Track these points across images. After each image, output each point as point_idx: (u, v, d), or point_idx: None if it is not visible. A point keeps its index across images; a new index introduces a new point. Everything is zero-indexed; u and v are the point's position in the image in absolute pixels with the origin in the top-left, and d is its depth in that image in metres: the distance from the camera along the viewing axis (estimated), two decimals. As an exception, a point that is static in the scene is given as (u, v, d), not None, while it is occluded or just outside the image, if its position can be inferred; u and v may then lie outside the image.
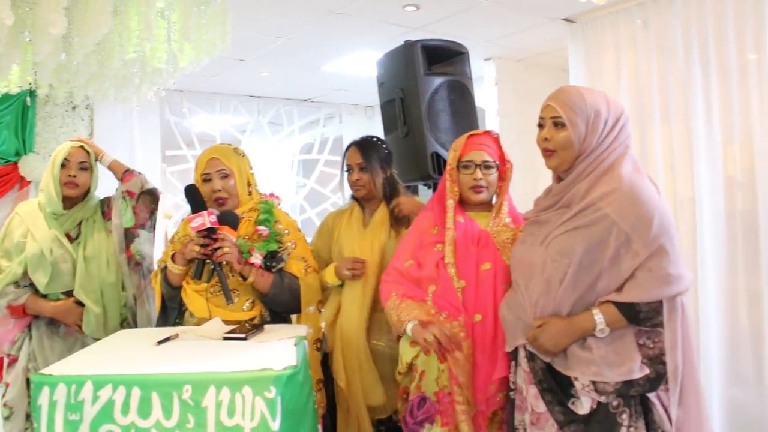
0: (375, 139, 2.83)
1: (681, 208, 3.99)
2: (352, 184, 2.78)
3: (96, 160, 2.88)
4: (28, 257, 2.67)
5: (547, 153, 2.03)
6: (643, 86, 4.21)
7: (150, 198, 2.92)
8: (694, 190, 3.91)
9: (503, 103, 5.72)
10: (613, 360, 1.87)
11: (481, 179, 2.31)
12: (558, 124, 1.99)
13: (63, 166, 2.76)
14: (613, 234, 1.87)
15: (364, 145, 2.78)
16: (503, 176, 2.39)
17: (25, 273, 2.69)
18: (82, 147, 2.81)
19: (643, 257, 1.85)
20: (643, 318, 1.87)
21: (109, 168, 2.92)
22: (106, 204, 2.90)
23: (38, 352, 2.70)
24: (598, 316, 1.88)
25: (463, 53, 3.50)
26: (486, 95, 5.73)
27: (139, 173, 2.93)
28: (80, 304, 2.71)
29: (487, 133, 2.41)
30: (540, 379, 1.98)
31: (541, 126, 2.05)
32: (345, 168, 2.82)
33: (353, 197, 2.86)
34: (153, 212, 2.94)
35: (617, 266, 1.88)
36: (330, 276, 2.69)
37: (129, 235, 2.84)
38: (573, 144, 1.97)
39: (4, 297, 2.68)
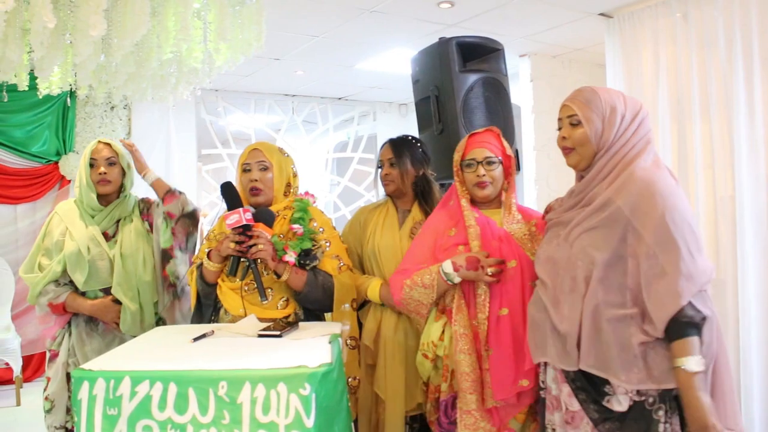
0: (411, 138, 2.84)
1: (721, 206, 3.92)
2: (382, 179, 2.81)
3: (141, 176, 2.93)
4: (66, 256, 2.73)
5: (566, 151, 2.07)
6: (682, 82, 4.14)
7: (189, 221, 2.94)
8: (734, 188, 3.83)
9: (538, 100, 5.68)
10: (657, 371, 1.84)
11: (484, 175, 2.37)
12: (574, 123, 2.02)
13: (92, 165, 2.81)
14: (629, 230, 1.87)
15: (397, 143, 2.80)
16: (508, 171, 2.43)
17: (64, 271, 2.75)
18: (108, 144, 2.86)
19: (653, 253, 1.82)
20: (688, 323, 1.81)
21: (152, 186, 2.95)
22: (144, 206, 2.95)
23: (77, 348, 2.76)
24: (690, 362, 1.78)
25: (498, 50, 3.48)
26: (521, 92, 5.69)
27: (181, 193, 2.94)
28: (118, 302, 2.77)
29: (488, 130, 2.46)
30: (572, 378, 1.96)
31: (559, 127, 2.08)
32: (377, 164, 2.85)
33: (387, 194, 2.87)
34: (190, 234, 2.96)
35: (639, 263, 1.86)
36: (373, 294, 2.64)
37: (166, 256, 2.87)
38: (589, 140, 1.99)
39: (45, 295, 2.75)
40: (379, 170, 2.83)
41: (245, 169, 2.58)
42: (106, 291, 2.78)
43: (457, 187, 2.44)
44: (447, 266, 2.28)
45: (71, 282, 2.77)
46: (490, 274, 2.23)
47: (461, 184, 2.43)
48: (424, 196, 2.75)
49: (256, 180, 2.54)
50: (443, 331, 2.33)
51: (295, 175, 2.68)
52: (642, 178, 1.90)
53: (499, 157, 2.39)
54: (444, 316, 2.35)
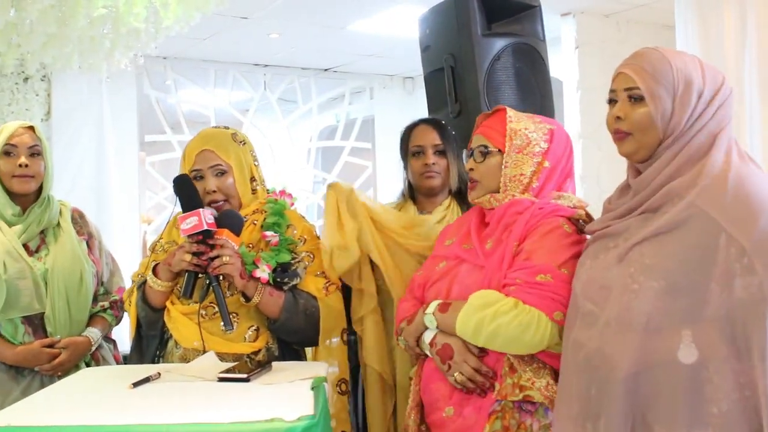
0: (443, 122, 2.87)
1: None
2: (425, 170, 2.79)
3: None
4: None
5: (619, 136, 1.99)
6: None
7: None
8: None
9: (586, 73, 5.69)
10: None
11: (472, 169, 2.33)
12: (635, 98, 1.95)
13: (8, 153, 2.79)
14: (720, 242, 1.76)
15: (440, 124, 2.80)
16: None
17: None
18: (31, 128, 2.85)
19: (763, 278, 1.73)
20: None
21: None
22: (82, 222, 2.99)
23: None
24: None
25: (533, 7, 3.49)
26: (564, 62, 5.70)
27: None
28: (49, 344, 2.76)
29: (500, 110, 2.40)
30: None
31: (612, 101, 2.02)
32: (412, 150, 2.85)
33: (404, 194, 2.91)
34: None
35: (729, 288, 1.74)
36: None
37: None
38: (655, 124, 1.92)
39: None
40: (412, 158, 2.84)
41: (196, 177, 2.54)
42: (29, 320, 2.77)
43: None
44: (427, 335, 2.22)
45: None
46: (455, 380, 2.15)
47: None
48: (462, 196, 2.75)
49: (214, 191, 2.52)
50: None
51: (256, 164, 2.68)
52: (737, 178, 1.81)
53: (497, 148, 2.31)
54: None
